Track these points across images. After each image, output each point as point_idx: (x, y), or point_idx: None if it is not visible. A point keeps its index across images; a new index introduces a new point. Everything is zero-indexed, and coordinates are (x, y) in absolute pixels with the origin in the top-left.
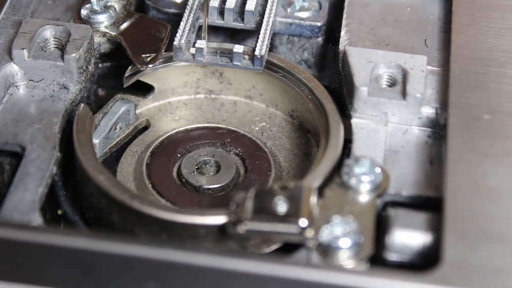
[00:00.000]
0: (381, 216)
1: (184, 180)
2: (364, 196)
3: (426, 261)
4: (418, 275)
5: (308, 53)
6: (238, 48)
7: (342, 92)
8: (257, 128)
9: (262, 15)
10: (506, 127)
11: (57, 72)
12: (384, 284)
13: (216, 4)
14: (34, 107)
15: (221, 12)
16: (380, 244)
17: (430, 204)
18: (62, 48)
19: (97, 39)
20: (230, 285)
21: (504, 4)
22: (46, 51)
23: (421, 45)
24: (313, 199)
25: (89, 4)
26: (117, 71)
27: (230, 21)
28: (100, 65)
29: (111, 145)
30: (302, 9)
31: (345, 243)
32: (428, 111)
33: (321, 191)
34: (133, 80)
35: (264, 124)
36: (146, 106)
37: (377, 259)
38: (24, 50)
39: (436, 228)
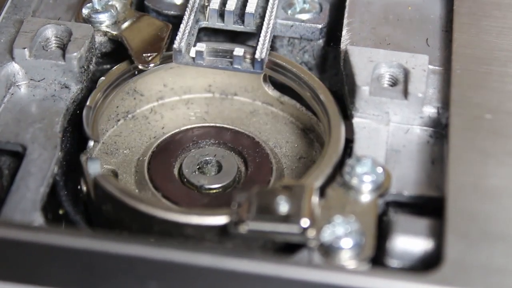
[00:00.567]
0: (382, 220)
1: (185, 180)
2: (365, 196)
3: (427, 267)
4: (419, 275)
5: (309, 55)
6: (239, 51)
7: (344, 92)
8: (258, 128)
9: (262, 17)
10: (508, 127)
11: (58, 71)
12: (386, 285)
13: (216, 6)
14: (35, 107)
15: (221, 14)
16: (381, 249)
17: (431, 204)
18: (63, 48)
19: (98, 38)
20: (231, 285)
21: (506, 3)
22: (47, 50)
23: (423, 44)
24: (315, 199)
25: (90, 4)
26: None
27: (230, 24)
28: (101, 66)
29: None
30: (302, 11)
31: (347, 243)
32: (430, 110)
33: (322, 191)
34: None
35: (266, 123)
36: (146, 106)
37: (378, 264)
38: (26, 49)
39: (438, 234)
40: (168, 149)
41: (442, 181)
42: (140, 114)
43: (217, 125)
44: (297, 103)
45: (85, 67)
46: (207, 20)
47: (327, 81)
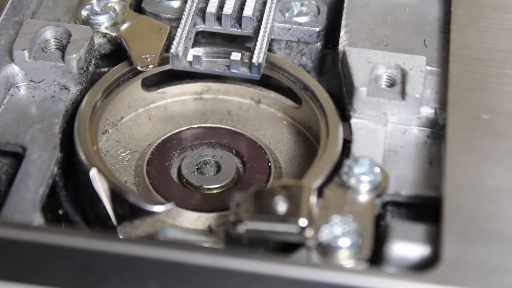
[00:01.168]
0: (380, 225)
1: (184, 180)
2: (363, 196)
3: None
4: (417, 274)
5: (307, 58)
6: (236, 56)
7: (342, 93)
8: (257, 128)
9: (260, 21)
10: (505, 127)
11: (57, 72)
12: (384, 284)
13: (213, 10)
14: (35, 108)
15: (218, 18)
16: (378, 255)
17: (429, 204)
18: (62, 49)
19: (98, 40)
20: (230, 284)
21: (503, 5)
22: (46, 52)
23: (420, 46)
24: (313, 199)
25: (90, 5)
26: None
27: (227, 27)
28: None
29: None
30: (300, 14)
31: (344, 242)
32: (427, 111)
33: (320, 191)
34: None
35: (264, 124)
36: (144, 107)
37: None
38: (25, 51)
39: (435, 239)
40: (167, 150)
41: (440, 181)
42: (137, 116)
43: (215, 125)
44: (294, 103)
45: (84, 68)
46: (205, 24)
47: (325, 84)
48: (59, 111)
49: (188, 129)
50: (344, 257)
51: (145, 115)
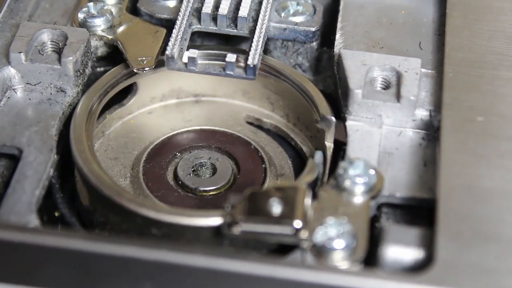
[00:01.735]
0: (375, 227)
1: (180, 182)
2: (358, 198)
3: None
4: (411, 275)
5: (303, 58)
6: (231, 57)
7: (337, 95)
8: (252, 130)
9: (255, 21)
10: (500, 129)
11: (54, 75)
12: (378, 285)
13: (209, 10)
14: (31, 110)
15: (214, 18)
16: (372, 256)
17: (423, 206)
18: (59, 52)
19: (94, 42)
20: (225, 286)
21: (498, 7)
22: (43, 55)
23: (416, 48)
24: (308, 200)
25: (86, 8)
26: None
27: (223, 28)
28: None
29: None
30: (296, 13)
31: (339, 244)
32: (422, 113)
33: (315, 192)
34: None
35: (259, 125)
36: (164, 102)
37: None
38: (22, 53)
39: (429, 243)
40: (162, 153)
41: (434, 183)
42: (133, 118)
43: (211, 128)
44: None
45: (81, 71)
46: (200, 24)
47: (321, 83)
48: (55, 114)
49: (184, 131)
50: (339, 259)
51: (142, 117)
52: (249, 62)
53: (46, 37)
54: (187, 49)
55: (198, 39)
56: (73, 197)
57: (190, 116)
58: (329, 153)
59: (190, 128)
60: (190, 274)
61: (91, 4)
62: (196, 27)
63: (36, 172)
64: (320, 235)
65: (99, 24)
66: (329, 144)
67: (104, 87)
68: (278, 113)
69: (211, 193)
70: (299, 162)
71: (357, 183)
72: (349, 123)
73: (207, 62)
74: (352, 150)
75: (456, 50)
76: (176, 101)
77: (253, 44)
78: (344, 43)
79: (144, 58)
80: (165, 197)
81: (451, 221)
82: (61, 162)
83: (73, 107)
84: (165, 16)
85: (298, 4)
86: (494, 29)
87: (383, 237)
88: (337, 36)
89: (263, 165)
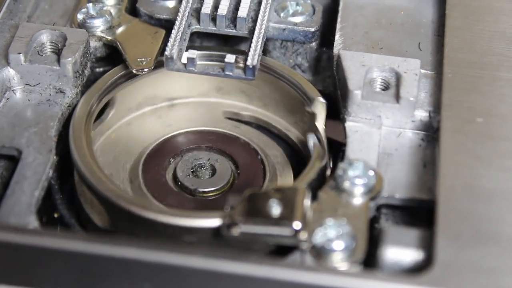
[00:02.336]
0: (374, 228)
1: (179, 183)
2: (357, 199)
3: None
4: (410, 276)
5: (302, 58)
6: (230, 58)
7: (336, 96)
8: (234, 125)
9: (254, 21)
10: (499, 130)
11: (53, 76)
12: (377, 286)
13: (208, 10)
14: (30, 111)
15: (213, 18)
16: (372, 257)
17: (423, 207)
18: (58, 53)
19: (93, 43)
20: (223, 287)
21: (497, 7)
22: (42, 56)
23: (415, 49)
24: (307, 201)
25: (85, 9)
26: None
27: (222, 28)
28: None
29: None
30: (295, 13)
31: (338, 245)
32: (422, 114)
33: (315, 194)
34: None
35: (258, 126)
36: (140, 110)
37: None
38: (21, 54)
39: (428, 244)
40: (162, 154)
41: (434, 184)
42: (113, 132)
43: (211, 129)
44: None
45: (80, 72)
46: (199, 24)
47: (321, 83)
48: (54, 115)
49: (183, 132)
50: (338, 260)
51: (122, 129)
52: (248, 62)
53: (45, 38)
54: (186, 50)
55: (197, 39)
56: (73, 198)
57: (169, 120)
58: (323, 134)
59: (188, 130)
60: (189, 275)
61: (90, 5)
62: (195, 27)
63: (35, 173)
64: (319, 236)
65: (98, 25)
66: (321, 126)
67: (103, 88)
68: (256, 104)
69: (211, 194)
70: (287, 147)
71: (356, 184)
72: (348, 124)
73: (206, 62)
74: (351, 151)
75: (455, 51)
76: (152, 108)
77: (252, 45)
78: (344, 43)
79: (143, 59)
80: (164, 198)
81: (451, 222)
82: (61, 163)
83: (72, 108)
84: (164, 16)
85: (297, 4)
86: (494, 30)
87: (383, 238)
88: (337, 36)
89: (258, 157)
